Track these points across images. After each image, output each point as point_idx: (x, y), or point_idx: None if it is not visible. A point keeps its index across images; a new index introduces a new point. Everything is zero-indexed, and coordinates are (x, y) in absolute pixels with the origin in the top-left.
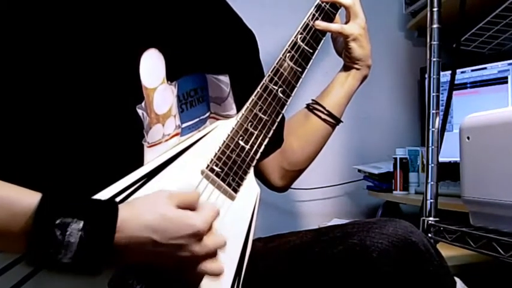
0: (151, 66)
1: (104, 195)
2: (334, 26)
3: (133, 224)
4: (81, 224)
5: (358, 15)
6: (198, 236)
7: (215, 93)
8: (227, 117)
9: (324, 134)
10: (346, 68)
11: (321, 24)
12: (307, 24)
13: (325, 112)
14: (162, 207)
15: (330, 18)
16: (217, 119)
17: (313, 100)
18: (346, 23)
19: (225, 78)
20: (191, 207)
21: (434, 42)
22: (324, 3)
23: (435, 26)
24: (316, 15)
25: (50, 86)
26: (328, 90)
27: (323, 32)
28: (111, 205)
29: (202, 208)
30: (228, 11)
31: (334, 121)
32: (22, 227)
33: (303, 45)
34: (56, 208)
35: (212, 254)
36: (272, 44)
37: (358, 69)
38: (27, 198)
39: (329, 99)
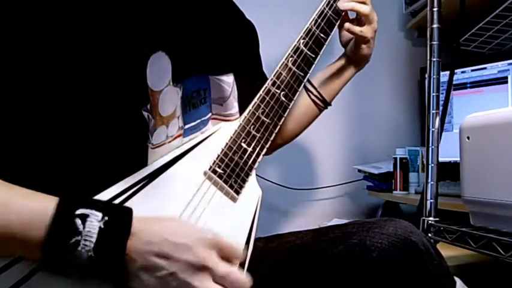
0: (158, 68)
1: (105, 194)
2: (357, 29)
3: (146, 230)
4: (100, 215)
5: (373, 21)
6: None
7: (217, 94)
8: (229, 116)
9: (310, 114)
10: (348, 60)
11: (346, 25)
12: (310, 30)
13: (315, 94)
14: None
15: (332, 24)
16: (219, 120)
17: (309, 81)
18: (358, 25)
19: (227, 78)
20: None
21: (434, 42)
22: (327, 10)
23: (435, 26)
24: (319, 20)
25: (56, 87)
26: (325, 75)
27: (325, 38)
28: (127, 209)
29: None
30: (230, 6)
31: (323, 104)
32: (40, 233)
33: (305, 50)
34: (76, 201)
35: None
36: (272, 46)
37: (359, 64)
38: (46, 201)
39: (324, 84)
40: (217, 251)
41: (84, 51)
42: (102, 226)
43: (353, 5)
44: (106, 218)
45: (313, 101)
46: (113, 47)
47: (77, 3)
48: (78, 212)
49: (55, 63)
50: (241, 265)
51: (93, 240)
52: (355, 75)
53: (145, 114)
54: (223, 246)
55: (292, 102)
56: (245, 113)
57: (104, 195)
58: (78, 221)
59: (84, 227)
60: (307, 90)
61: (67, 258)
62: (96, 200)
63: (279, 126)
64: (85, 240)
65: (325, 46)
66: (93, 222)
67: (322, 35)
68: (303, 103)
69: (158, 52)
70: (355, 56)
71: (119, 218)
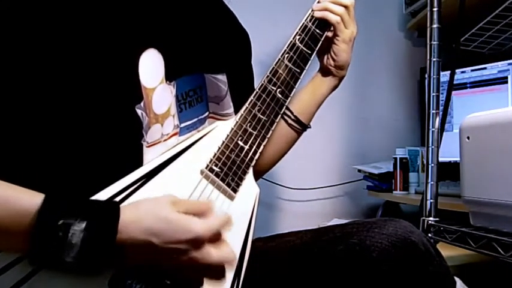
0: (151, 66)
1: (103, 195)
2: (334, 17)
3: (134, 226)
4: (84, 224)
5: (352, 20)
6: (198, 242)
7: (214, 92)
8: (225, 115)
9: (288, 139)
10: (323, 73)
11: (318, 6)
12: (306, 26)
13: (293, 118)
14: (164, 211)
15: (325, 22)
16: (216, 119)
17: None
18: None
19: (222, 77)
20: (197, 214)
21: (434, 42)
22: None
23: (435, 26)
24: (314, 17)
25: (49, 86)
26: (300, 95)
27: (321, 34)
28: (114, 206)
29: (209, 216)
30: (225, 11)
31: (300, 127)
32: (25, 227)
33: (301, 46)
34: (59, 209)
35: (216, 266)
36: (269, 45)
37: (334, 75)
38: (30, 199)
39: (299, 104)
40: (200, 241)
41: (76, 49)
42: (86, 234)
43: (324, 14)
44: (90, 227)
45: (290, 125)
46: (106, 44)
47: (71, 3)
48: (60, 222)
49: (48, 61)
50: (240, 265)
51: (76, 249)
52: (330, 93)
53: (139, 112)
54: (206, 234)
55: (289, 99)
56: (241, 111)
57: (102, 195)
58: (60, 233)
59: (66, 238)
60: (283, 115)
61: (52, 262)
62: (82, 203)
63: (275, 124)
64: (68, 249)
65: (320, 42)
66: (76, 232)
67: (317, 30)
68: (281, 130)
69: (150, 49)
70: (332, 62)
71: (104, 224)
